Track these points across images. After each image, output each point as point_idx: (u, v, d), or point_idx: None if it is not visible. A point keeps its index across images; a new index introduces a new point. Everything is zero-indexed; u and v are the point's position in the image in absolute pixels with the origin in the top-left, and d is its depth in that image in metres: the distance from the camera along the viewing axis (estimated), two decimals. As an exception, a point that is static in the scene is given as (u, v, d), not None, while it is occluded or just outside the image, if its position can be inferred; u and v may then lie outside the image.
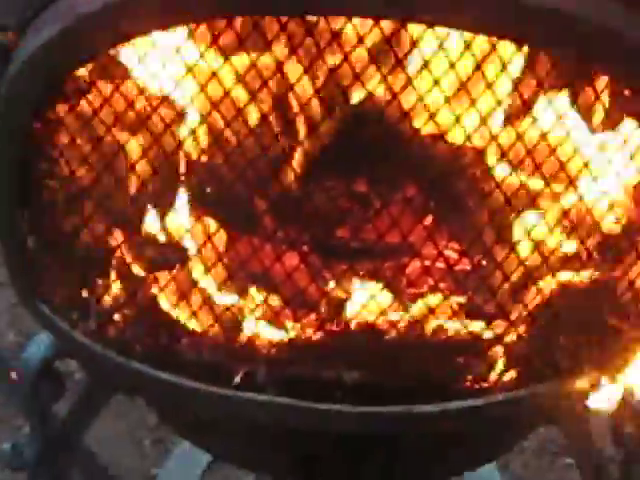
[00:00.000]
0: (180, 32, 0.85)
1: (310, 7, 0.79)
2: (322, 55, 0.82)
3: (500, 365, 0.91)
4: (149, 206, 0.93)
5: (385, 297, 0.90)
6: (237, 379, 0.91)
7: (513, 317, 0.89)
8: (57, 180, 0.91)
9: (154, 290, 0.94)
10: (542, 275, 0.90)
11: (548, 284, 0.90)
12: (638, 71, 0.85)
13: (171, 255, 0.93)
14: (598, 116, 0.88)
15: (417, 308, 0.90)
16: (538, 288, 0.89)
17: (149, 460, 1.50)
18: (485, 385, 0.91)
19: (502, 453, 1.20)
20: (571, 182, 0.87)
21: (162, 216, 0.94)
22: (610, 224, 0.92)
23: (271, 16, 0.82)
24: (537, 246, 0.88)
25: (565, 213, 0.87)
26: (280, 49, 0.83)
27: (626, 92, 0.88)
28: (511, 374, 0.91)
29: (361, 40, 0.79)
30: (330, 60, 0.84)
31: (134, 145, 0.89)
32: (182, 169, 0.91)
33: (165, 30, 0.82)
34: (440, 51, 0.80)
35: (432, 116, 0.83)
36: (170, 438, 1.40)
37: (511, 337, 0.91)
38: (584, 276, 0.92)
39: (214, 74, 0.83)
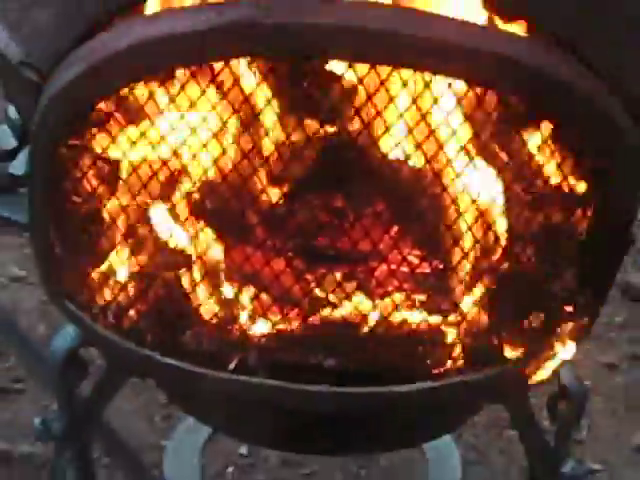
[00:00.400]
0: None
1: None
2: (305, 93, 0.89)
3: (455, 352, 0.97)
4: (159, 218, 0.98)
5: (358, 296, 0.96)
6: (232, 364, 0.96)
7: (465, 312, 0.96)
8: (80, 196, 0.96)
9: (162, 289, 0.99)
10: (487, 277, 0.97)
11: (492, 283, 0.96)
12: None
13: (177, 259, 0.98)
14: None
15: (385, 305, 0.95)
16: (486, 287, 0.96)
17: (159, 433, 1.54)
18: (442, 369, 0.97)
19: (458, 426, 1.26)
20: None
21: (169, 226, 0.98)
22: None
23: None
24: (484, 253, 0.94)
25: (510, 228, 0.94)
26: (269, 88, 0.89)
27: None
28: (464, 360, 0.97)
29: (338, 80, 0.87)
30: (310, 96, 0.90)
31: (145, 167, 0.95)
32: (187, 188, 0.96)
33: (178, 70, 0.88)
34: (404, 90, 0.86)
35: (397, 144, 0.89)
36: (178, 414, 1.43)
37: (463, 329, 0.97)
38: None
39: (213, 107, 0.88)
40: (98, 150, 0.95)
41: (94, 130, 0.94)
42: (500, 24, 0.90)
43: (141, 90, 0.91)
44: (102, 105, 0.91)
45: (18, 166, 1.00)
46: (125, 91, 0.90)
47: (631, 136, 0.88)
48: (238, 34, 0.83)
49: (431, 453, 1.36)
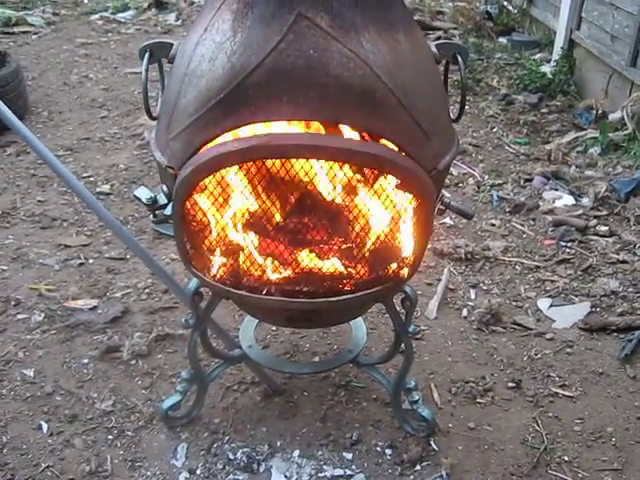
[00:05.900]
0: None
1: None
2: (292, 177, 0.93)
3: (356, 282, 1.01)
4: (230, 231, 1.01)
5: (313, 259, 1.00)
6: (263, 292, 1.00)
7: (358, 265, 1.02)
8: (194, 222, 0.99)
9: (231, 262, 1.01)
10: (369, 251, 1.01)
11: (370, 253, 1.01)
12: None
13: (237, 248, 1.01)
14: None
15: (327, 264, 1.00)
16: (371, 253, 1.00)
17: (237, 322, 1.54)
18: (352, 290, 1.01)
19: (363, 313, 1.32)
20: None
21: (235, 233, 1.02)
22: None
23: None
24: (366, 240, 0.99)
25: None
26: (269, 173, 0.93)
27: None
28: (361, 286, 1.00)
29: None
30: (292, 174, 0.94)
31: (221, 209, 0.99)
32: (243, 217, 0.99)
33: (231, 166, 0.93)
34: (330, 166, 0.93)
35: (332, 196, 0.97)
36: (244, 316, 1.37)
37: (358, 272, 1.02)
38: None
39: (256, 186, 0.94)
40: (200, 203, 0.98)
41: (197, 194, 0.96)
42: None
43: (216, 177, 0.95)
44: (201, 184, 0.94)
45: (168, 210, 1.01)
46: (209, 178, 0.94)
47: (428, 182, 0.92)
48: (255, 150, 0.85)
49: (353, 325, 1.37)
